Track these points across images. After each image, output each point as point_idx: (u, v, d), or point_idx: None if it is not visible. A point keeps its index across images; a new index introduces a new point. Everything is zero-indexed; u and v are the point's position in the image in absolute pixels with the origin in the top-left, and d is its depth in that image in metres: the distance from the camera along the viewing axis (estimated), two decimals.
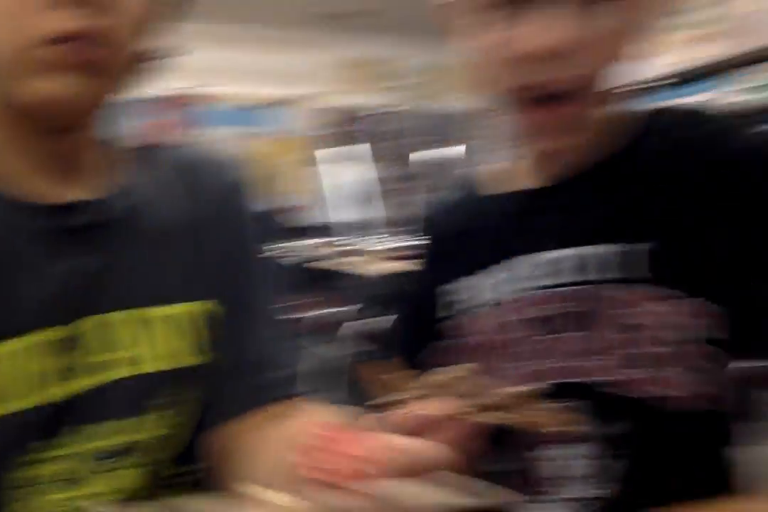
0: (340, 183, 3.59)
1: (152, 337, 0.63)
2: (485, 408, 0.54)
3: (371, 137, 3.18)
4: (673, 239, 0.67)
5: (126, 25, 0.57)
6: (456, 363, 0.73)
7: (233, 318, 0.69)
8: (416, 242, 0.89)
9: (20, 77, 0.55)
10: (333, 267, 3.35)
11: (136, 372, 0.62)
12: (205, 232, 0.69)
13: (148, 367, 0.62)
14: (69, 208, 0.61)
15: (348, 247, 3.62)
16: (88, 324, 0.61)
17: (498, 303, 0.73)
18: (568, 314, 0.69)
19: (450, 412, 0.53)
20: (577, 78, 0.63)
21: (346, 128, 6.42)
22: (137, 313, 0.63)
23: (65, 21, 0.53)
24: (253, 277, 0.72)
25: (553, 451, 0.69)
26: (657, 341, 0.65)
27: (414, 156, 4.57)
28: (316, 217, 6.03)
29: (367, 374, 0.90)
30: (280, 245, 3.85)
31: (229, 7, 5.61)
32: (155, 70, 0.68)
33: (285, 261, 3.83)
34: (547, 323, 0.70)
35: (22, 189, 0.60)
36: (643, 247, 0.67)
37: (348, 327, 2.78)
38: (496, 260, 0.75)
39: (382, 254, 3.09)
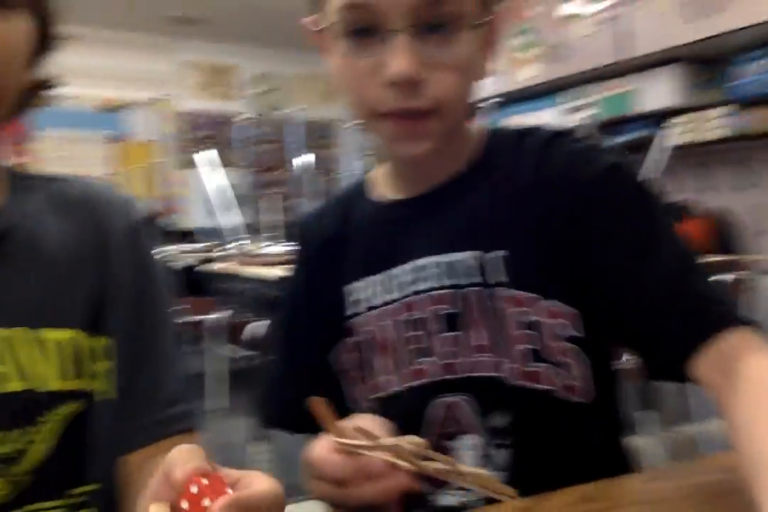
0: (210, 187, 3.68)
1: (17, 358, 0.64)
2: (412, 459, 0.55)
3: (231, 142, 3.29)
4: (525, 246, 0.72)
5: (3, 62, 0.63)
6: (349, 360, 0.78)
7: (133, 352, 0.70)
8: (291, 247, 0.90)
9: None
10: (219, 271, 3.43)
11: (1, 390, 0.63)
12: (94, 264, 0.70)
13: (12, 386, 0.63)
14: None
15: (226, 251, 3.71)
16: None
17: (376, 307, 0.76)
18: (441, 316, 0.73)
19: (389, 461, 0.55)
20: (433, 101, 0.68)
21: (202, 133, 6.38)
22: (4, 333, 0.64)
23: None
24: (155, 313, 0.73)
25: (443, 443, 0.72)
26: (522, 339, 0.70)
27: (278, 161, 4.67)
28: (191, 221, 5.98)
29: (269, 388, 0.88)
30: (162, 249, 3.89)
31: (84, 10, 5.48)
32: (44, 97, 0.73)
33: (169, 264, 3.86)
34: (422, 324, 0.74)
35: None
36: (499, 253, 0.72)
37: (249, 330, 2.88)
38: (371, 266, 0.78)
39: (260, 258, 3.22)
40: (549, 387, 0.70)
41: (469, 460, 0.71)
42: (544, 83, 4.01)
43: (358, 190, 0.85)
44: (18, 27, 0.65)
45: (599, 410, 0.74)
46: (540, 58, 4.04)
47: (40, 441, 0.64)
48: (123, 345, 0.70)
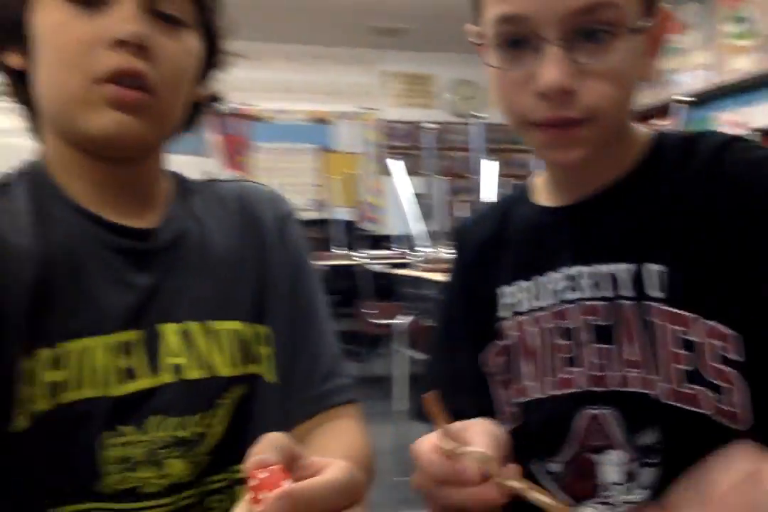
0: (405, 195, 3.76)
1: (194, 348, 0.71)
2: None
3: (430, 150, 3.35)
4: (686, 261, 0.69)
5: (173, 77, 0.68)
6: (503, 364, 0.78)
7: (291, 336, 0.77)
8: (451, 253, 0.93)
9: (79, 113, 0.65)
10: (406, 276, 3.51)
11: (180, 378, 0.70)
12: (253, 260, 0.78)
13: (190, 375, 0.70)
14: (144, 232, 0.72)
15: (414, 257, 3.78)
16: (136, 335, 0.69)
17: (524, 312, 0.77)
18: (592, 326, 0.72)
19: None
20: (587, 111, 0.66)
21: (403, 142, 6.59)
22: (182, 327, 0.71)
23: (121, 61, 0.64)
24: (308, 298, 0.80)
25: (587, 456, 0.71)
26: (677, 358, 0.68)
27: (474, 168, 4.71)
28: (388, 228, 6.22)
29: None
30: (359, 253, 4.05)
31: (293, 29, 5.84)
32: (213, 110, 0.80)
33: (365, 269, 4.01)
34: (572, 334, 0.73)
35: (98, 211, 0.71)
36: (656, 267, 0.69)
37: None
38: (522, 271, 0.78)
39: (443, 264, 3.25)
40: (704, 411, 0.66)
41: (614, 476, 0.70)
42: (759, 76, 3.68)
43: (520, 195, 0.85)
44: (188, 45, 0.71)
45: (755, 438, 0.67)
46: (755, 49, 3.71)
47: (217, 423, 0.71)
48: (282, 332, 0.77)
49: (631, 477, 0.70)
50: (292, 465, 0.44)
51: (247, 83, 6.29)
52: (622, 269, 0.71)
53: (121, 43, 0.64)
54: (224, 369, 0.72)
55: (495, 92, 0.71)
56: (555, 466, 0.74)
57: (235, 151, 6.28)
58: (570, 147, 0.69)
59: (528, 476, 0.74)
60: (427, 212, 3.60)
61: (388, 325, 3.67)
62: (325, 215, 6.06)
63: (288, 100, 6.36)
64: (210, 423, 0.71)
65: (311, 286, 0.81)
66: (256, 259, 0.78)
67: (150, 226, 0.74)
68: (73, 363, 0.65)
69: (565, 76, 0.64)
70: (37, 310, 0.65)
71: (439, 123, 6.29)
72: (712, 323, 0.67)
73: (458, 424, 0.61)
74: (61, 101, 0.67)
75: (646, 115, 4.93)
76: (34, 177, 0.72)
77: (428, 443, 0.60)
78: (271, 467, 0.43)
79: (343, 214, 5.27)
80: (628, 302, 0.70)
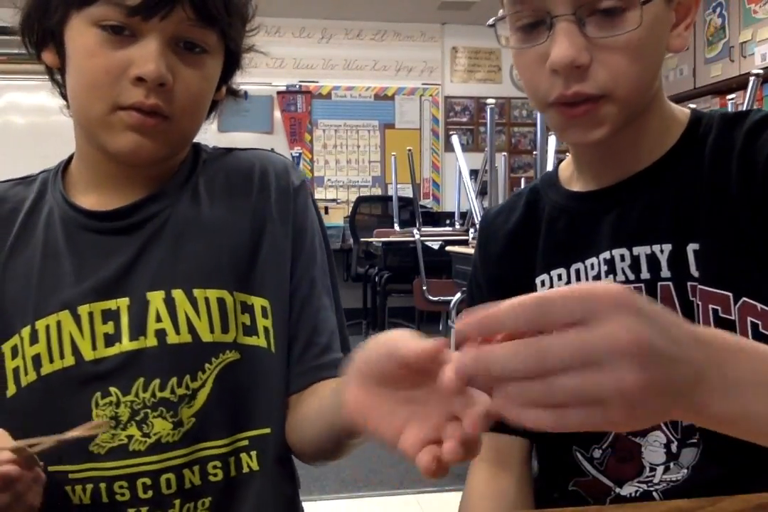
0: (465, 171, 3.73)
1: (175, 315, 0.74)
2: None
3: (492, 126, 3.29)
4: (721, 240, 0.68)
5: (190, 105, 0.74)
6: None
7: (290, 308, 0.79)
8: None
9: (100, 132, 0.73)
10: (460, 254, 3.50)
11: (163, 343, 0.73)
12: (250, 231, 0.79)
13: (173, 339, 0.74)
14: (118, 213, 0.77)
15: (471, 235, 3.77)
16: (127, 301, 0.74)
17: None
18: None
19: None
20: (601, 87, 0.65)
21: (465, 118, 6.55)
22: (162, 294, 0.74)
23: (141, 96, 0.70)
24: (310, 271, 0.81)
25: (630, 438, 0.71)
26: None
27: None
28: (448, 205, 6.21)
29: None
30: (417, 230, 4.05)
31: (360, 6, 5.79)
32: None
33: (422, 245, 4.00)
34: None
35: (90, 200, 0.79)
36: (693, 246, 0.69)
37: None
38: (558, 259, 0.77)
39: None
40: None
41: (656, 457, 0.70)
42: None
43: (549, 182, 0.84)
44: (208, 71, 0.76)
45: None
46: None
47: (203, 387, 0.74)
48: (279, 305, 0.79)
49: (672, 457, 0.69)
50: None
51: (310, 61, 6.31)
52: (660, 250, 0.70)
53: (142, 80, 0.69)
54: (206, 335, 0.74)
55: (518, 74, 0.72)
56: (597, 452, 0.74)
57: (298, 129, 6.32)
58: (589, 126, 0.68)
59: (571, 463, 0.76)
60: (486, 189, 3.55)
61: (443, 302, 3.66)
62: (384, 192, 6.07)
63: (351, 77, 6.36)
64: (195, 387, 0.74)
65: (312, 260, 0.82)
66: (251, 230, 0.79)
67: (131, 204, 0.78)
68: (46, 336, 0.73)
69: (577, 51, 0.64)
70: (14, 296, 0.75)
71: (501, 98, 6.19)
72: (746, 300, 0.66)
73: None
74: (84, 119, 0.74)
75: (721, 89, 4.74)
76: (55, 169, 0.83)
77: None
78: None
79: (403, 190, 5.25)
80: (666, 283, 0.69)
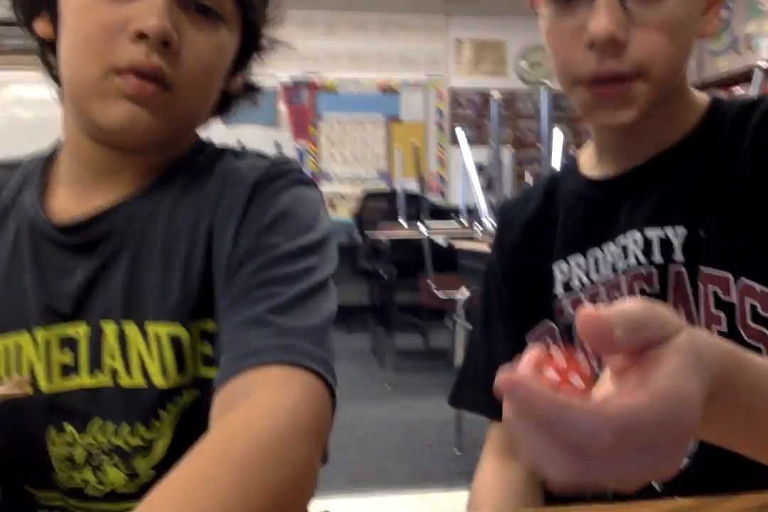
0: (470, 165, 3.71)
1: (130, 353, 0.65)
2: None
3: (497, 119, 3.27)
4: (729, 223, 0.68)
5: (196, 74, 0.65)
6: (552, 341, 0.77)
7: (234, 322, 0.62)
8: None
9: (93, 101, 0.63)
10: (466, 249, 3.48)
11: (116, 384, 0.65)
12: (203, 246, 0.66)
13: (125, 382, 0.65)
14: (80, 226, 0.68)
15: (480, 229, 3.74)
16: (85, 328, 0.66)
17: (580, 287, 0.76)
18: (637, 293, 0.71)
19: None
20: (636, 64, 0.65)
21: (471, 111, 6.50)
22: (118, 327, 0.65)
23: (140, 55, 0.61)
24: (267, 273, 0.63)
25: None
26: (716, 320, 0.68)
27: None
28: (453, 199, 6.18)
29: None
30: (423, 225, 4.04)
31: None
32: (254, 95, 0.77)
33: (428, 241, 3.99)
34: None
35: (66, 199, 0.70)
36: (701, 230, 0.69)
37: None
38: (576, 246, 0.77)
39: None
40: None
41: None
42: None
43: (568, 169, 0.84)
44: (220, 40, 0.68)
45: None
46: None
47: (160, 437, 0.65)
48: (227, 318, 0.63)
49: None
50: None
51: (315, 53, 6.28)
52: (675, 233, 0.70)
53: (142, 37, 0.61)
54: (159, 380, 0.64)
55: (548, 48, 0.70)
56: None
57: (303, 122, 6.30)
58: (620, 106, 0.67)
59: None
60: (492, 183, 3.53)
61: (449, 298, 3.66)
62: (390, 186, 6.05)
63: (356, 69, 6.33)
64: (151, 437, 0.65)
65: (265, 258, 0.64)
66: (204, 249, 0.66)
67: (94, 214, 0.68)
68: (5, 359, 0.66)
69: (616, 26, 0.63)
70: None
71: (507, 91, 6.16)
72: (746, 281, 0.66)
73: None
74: (77, 86, 0.65)
75: (727, 82, 4.70)
76: (42, 158, 0.74)
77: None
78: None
79: (408, 185, 5.24)
80: (678, 267, 0.69)
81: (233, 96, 0.77)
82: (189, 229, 0.67)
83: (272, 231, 0.65)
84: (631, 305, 0.36)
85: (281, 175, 0.69)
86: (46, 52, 0.70)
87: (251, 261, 0.63)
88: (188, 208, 0.68)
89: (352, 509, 2.37)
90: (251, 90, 0.78)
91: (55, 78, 0.70)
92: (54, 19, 0.66)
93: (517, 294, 0.81)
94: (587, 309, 0.35)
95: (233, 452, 0.49)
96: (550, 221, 0.80)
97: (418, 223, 4.22)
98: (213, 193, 0.68)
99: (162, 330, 0.65)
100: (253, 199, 0.66)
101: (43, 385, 0.66)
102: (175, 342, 0.65)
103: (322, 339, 0.60)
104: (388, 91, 6.40)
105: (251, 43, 0.73)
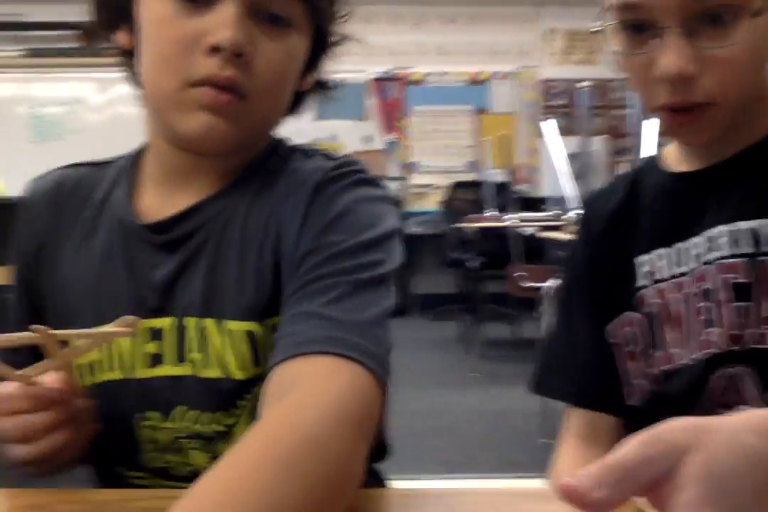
0: (561, 156, 3.67)
1: (209, 347, 0.68)
2: None
3: (587, 109, 3.22)
4: None
5: (269, 82, 0.67)
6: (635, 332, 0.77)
7: (293, 312, 0.64)
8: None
9: (171, 112, 0.67)
10: (555, 239, 3.45)
11: (196, 374, 0.69)
12: (271, 246, 0.69)
13: (204, 373, 0.68)
14: (164, 225, 0.72)
15: (568, 219, 3.70)
16: (170, 321, 0.70)
17: (665, 279, 0.76)
18: (730, 285, 0.71)
19: None
20: (708, 96, 0.67)
21: (560, 101, 6.42)
22: (199, 322, 0.69)
23: (215, 68, 0.64)
24: (326, 268, 0.64)
25: (720, 412, 0.70)
26: None
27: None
28: (542, 189, 6.10)
29: None
30: (511, 215, 4.03)
31: None
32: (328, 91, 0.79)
33: (516, 231, 3.98)
34: (711, 294, 0.72)
35: (153, 198, 0.74)
36: None
37: None
38: (661, 238, 0.77)
39: None
40: None
41: None
42: None
43: (650, 164, 0.85)
44: (291, 46, 0.70)
45: None
46: None
47: (240, 424, 0.69)
48: (285, 311, 0.65)
49: None
50: None
51: (404, 47, 6.33)
52: (762, 224, 0.70)
53: (217, 50, 0.64)
54: (237, 373, 0.68)
55: (628, 77, 0.73)
56: None
57: (393, 115, 6.37)
58: (696, 131, 0.70)
59: None
60: (583, 173, 3.50)
61: (537, 288, 3.64)
62: (479, 177, 6.05)
63: (445, 62, 6.34)
64: (231, 423, 0.69)
65: (324, 254, 0.65)
66: (275, 245, 0.69)
67: (177, 214, 0.72)
68: (102, 347, 0.71)
69: (685, 62, 0.64)
70: (77, 296, 0.73)
71: (600, 80, 6.03)
72: None
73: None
74: (156, 98, 0.69)
75: None
76: (131, 158, 0.79)
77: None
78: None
79: (497, 175, 5.22)
80: (767, 258, 0.69)
81: (304, 93, 0.78)
82: (260, 229, 0.70)
83: (332, 229, 0.66)
84: (621, 451, 0.34)
85: (344, 176, 0.71)
86: (128, 59, 0.73)
87: (311, 258, 0.65)
88: (260, 209, 0.71)
89: (437, 493, 2.40)
90: (323, 87, 0.80)
91: (138, 83, 0.73)
92: (133, 30, 0.70)
93: (600, 285, 0.81)
94: (563, 482, 0.34)
95: (277, 444, 0.50)
96: (635, 213, 0.81)
97: (506, 214, 4.22)
98: (281, 194, 0.71)
99: (237, 325, 0.68)
100: (315, 200, 0.69)
101: (134, 371, 0.70)
102: (251, 336, 0.68)
103: (373, 332, 0.61)
104: (477, 82, 6.39)
105: (321, 44, 0.75)
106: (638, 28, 0.68)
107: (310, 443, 0.50)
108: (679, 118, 0.69)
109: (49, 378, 0.62)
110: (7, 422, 0.61)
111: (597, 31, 0.73)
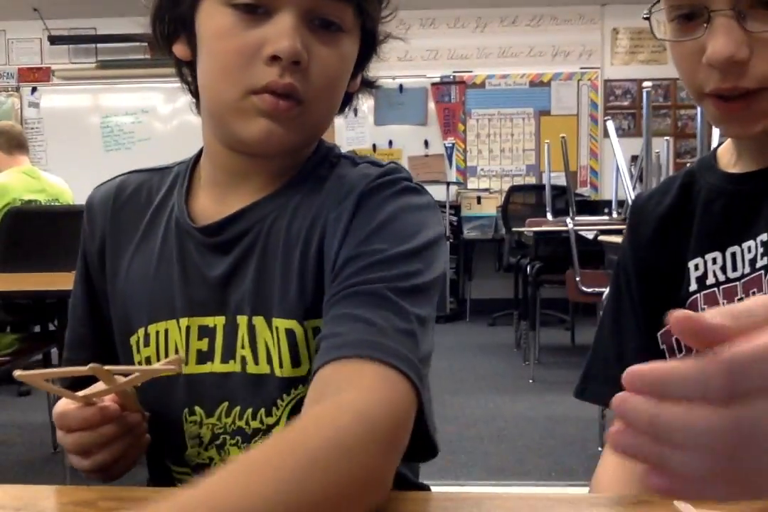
0: (621, 157, 3.59)
1: (257, 344, 0.71)
2: None
3: (652, 110, 3.13)
4: None
5: (324, 86, 0.70)
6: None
7: (336, 315, 0.65)
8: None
9: (232, 119, 0.70)
10: (612, 244, 3.39)
11: (244, 371, 0.71)
12: (316, 249, 0.71)
13: (252, 369, 0.71)
14: (217, 227, 0.74)
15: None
16: (223, 320, 0.73)
17: (718, 284, 0.75)
18: None
19: None
20: (761, 81, 0.65)
21: (625, 102, 6.30)
22: (246, 318, 0.72)
23: (275, 76, 0.67)
24: (366, 275, 0.66)
25: None
26: None
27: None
28: (605, 193, 6.04)
29: None
30: (569, 219, 3.96)
31: None
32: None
33: (576, 235, 3.91)
34: None
35: (207, 200, 0.77)
36: None
37: None
38: (714, 242, 0.75)
39: None
40: None
41: None
42: None
43: (706, 164, 0.82)
44: (344, 50, 0.72)
45: None
46: None
47: (276, 423, 0.71)
48: (326, 313, 0.67)
49: None
50: None
51: (465, 50, 6.31)
52: None
53: (276, 58, 0.66)
54: (278, 370, 0.71)
55: (674, 62, 0.71)
56: None
57: (452, 119, 6.35)
58: (747, 120, 0.67)
59: None
60: (646, 175, 3.40)
61: (598, 294, 3.56)
62: (539, 181, 5.96)
63: (506, 65, 6.29)
64: (270, 422, 0.71)
65: (365, 262, 0.66)
66: (318, 250, 0.72)
67: (230, 216, 0.74)
68: (155, 341, 0.75)
69: (735, 46, 0.63)
70: (133, 295, 0.77)
71: (666, 79, 5.88)
72: None
73: None
74: (217, 106, 0.71)
75: None
76: (188, 163, 0.82)
77: None
78: None
79: (558, 178, 5.14)
80: None
81: (353, 94, 0.81)
82: (305, 233, 0.72)
83: (375, 237, 0.68)
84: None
85: (389, 184, 0.72)
86: (184, 70, 0.77)
87: (353, 265, 0.67)
88: (306, 214, 0.73)
89: (476, 497, 2.38)
90: (370, 86, 0.82)
91: (193, 93, 0.77)
92: (190, 41, 0.73)
93: (649, 290, 0.80)
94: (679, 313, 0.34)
95: (306, 444, 0.51)
96: (687, 216, 0.79)
97: (566, 218, 4.14)
98: (327, 200, 0.73)
99: (281, 323, 0.71)
100: (360, 208, 0.70)
101: (183, 368, 0.72)
102: (292, 335, 0.70)
103: (411, 340, 0.62)
104: (539, 84, 6.31)
105: (369, 45, 0.77)
106: (688, 16, 0.66)
107: (337, 449, 0.51)
108: (728, 107, 0.66)
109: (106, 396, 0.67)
110: (68, 437, 0.66)
111: (646, 17, 0.72)
